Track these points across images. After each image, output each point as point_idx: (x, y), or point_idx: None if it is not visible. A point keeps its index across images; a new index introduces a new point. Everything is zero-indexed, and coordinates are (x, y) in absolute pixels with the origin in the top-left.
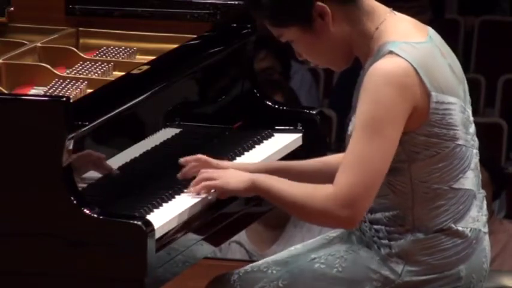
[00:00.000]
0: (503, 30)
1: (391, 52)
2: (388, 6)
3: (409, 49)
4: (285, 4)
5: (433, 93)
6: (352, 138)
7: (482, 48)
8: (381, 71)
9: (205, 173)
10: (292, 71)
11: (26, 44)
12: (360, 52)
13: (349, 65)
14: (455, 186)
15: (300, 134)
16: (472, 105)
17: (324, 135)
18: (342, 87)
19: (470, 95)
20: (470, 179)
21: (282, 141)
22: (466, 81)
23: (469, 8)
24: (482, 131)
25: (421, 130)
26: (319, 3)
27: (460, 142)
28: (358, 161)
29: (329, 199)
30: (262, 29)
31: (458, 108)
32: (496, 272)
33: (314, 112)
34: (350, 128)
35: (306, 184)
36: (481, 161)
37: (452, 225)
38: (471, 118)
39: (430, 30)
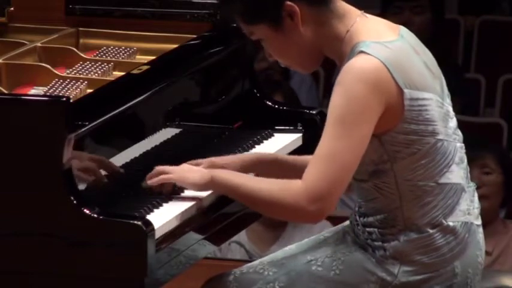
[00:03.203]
0: (503, 30)
1: (362, 52)
2: (389, 6)
3: (379, 48)
4: (255, 1)
5: (406, 91)
6: (323, 134)
7: (482, 48)
8: (353, 68)
9: (159, 167)
10: (292, 71)
11: (26, 44)
12: (333, 54)
13: (318, 67)
14: (441, 181)
15: (300, 134)
16: (472, 105)
17: None
18: None
19: (471, 95)
20: (456, 173)
21: (282, 141)
22: (443, 77)
23: (469, 8)
24: (482, 131)
25: (399, 128)
26: (289, 3)
27: (440, 137)
28: (327, 156)
29: (298, 194)
30: None
31: (434, 103)
32: (496, 272)
33: (314, 112)
34: None
35: (272, 180)
36: (502, 165)
37: (443, 221)
38: (451, 113)
39: (402, 29)
